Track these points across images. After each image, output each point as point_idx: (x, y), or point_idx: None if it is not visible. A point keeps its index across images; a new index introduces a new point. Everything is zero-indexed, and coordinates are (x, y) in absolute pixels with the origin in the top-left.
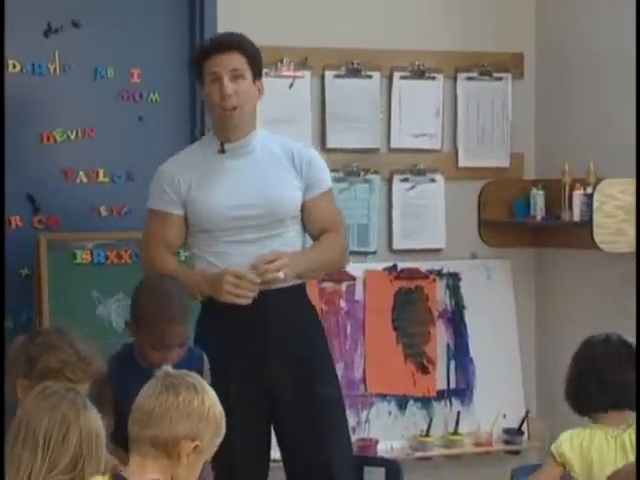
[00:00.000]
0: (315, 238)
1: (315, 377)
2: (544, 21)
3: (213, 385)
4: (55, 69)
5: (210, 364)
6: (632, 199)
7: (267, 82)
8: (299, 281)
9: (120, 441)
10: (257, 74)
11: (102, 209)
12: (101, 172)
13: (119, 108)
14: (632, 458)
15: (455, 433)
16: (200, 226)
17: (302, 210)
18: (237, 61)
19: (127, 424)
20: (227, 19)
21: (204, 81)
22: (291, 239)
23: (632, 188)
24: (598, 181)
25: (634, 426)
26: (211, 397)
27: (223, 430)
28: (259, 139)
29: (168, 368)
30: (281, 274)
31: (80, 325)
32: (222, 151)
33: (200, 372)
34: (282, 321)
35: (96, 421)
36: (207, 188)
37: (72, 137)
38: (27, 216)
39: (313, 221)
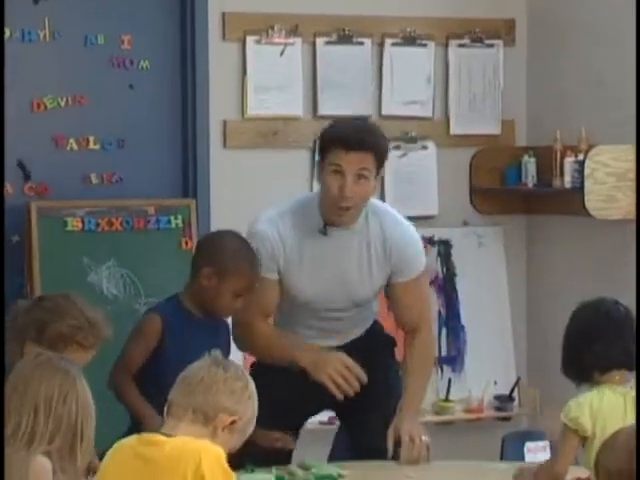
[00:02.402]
0: (404, 326)
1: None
2: None
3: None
4: (45, 36)
5: None
6: (624, 165)
7: (258, 49)
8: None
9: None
10: (380, 167)
11: (93, 176)
12: (92, 139)
13: (110, 75)
14: None
15: (446, 400)
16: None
17: (389, 289)
18: (366, 161)
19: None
20: None
21: (323, 161)
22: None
23: (623, 155)
24: (589, 148)
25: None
26: (253, 386)
27: (254, 421)
28: (362, 227)
29: (218, 353)
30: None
31: (66, 291)
32: (324, 233)
33: (229, 341)
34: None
35: (88, 392)
36: (297, 272)
37: (62, 104)
38: (18, 183)
39: (402, 308)
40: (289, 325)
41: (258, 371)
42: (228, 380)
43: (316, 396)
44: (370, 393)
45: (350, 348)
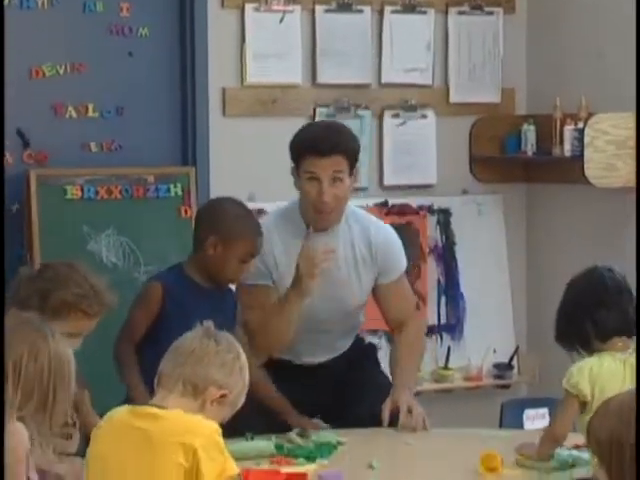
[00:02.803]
0: (390, 323)
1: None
2: None
3: None
4: (43, 3)
5: None
6: (624, 133)
7: (257, 16)
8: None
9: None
10: (353, 166)
11: (92, 145)
12: (90, 107)
13: (108, 42)
14: None
15: (445, 368)
16: None
17: (375, 290)
18: (338, 163)
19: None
20: None
21: (298, 170)
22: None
23: (623, 122)
24: (589, 116)
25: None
26: (244, 357)
27: (245, 393)
28: (344, 230)
29: (210, 323)
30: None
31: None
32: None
33: (234, 311)
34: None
35: (65, 349)
36: (289, 280)
37: (61, 72)
38: (17, 151)
39: (390, 307)
40: None
41: None
42: (219, 353)
43: (308, 402)
44: (360, 392)
45: (336, 362)
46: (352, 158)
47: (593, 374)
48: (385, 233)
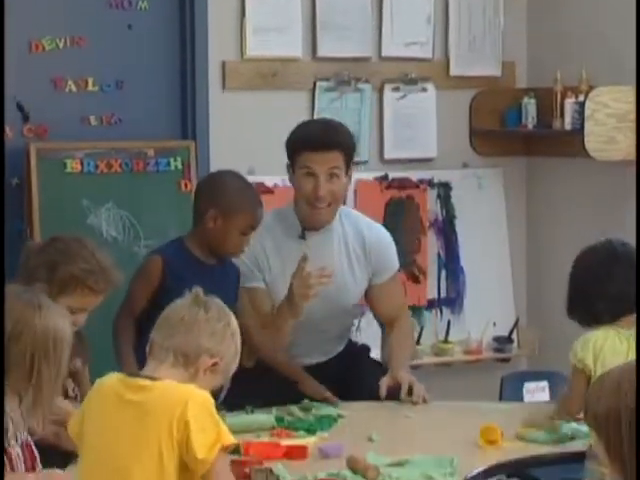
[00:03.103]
0: (382, 319)
1: None
2: None
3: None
4: None
5: None
6: (624, 107)
7: None
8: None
9: None
10: (350, 164)
11: (92, 118)
12: (90, 81)
13: (108, 16)
14: None
15: (445, 341)
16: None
17: (368, 291)
18: (336, 160)
19: None
20: None
21: (294, 166)
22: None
23: (624, 96)
24: (590, 89)
25: None
26: (235, 323)
27: (238, 359)
28: (337, 228)
29: (199, 289)
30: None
31: (75, 234)
32: (303, 237)
33: (236, 287)
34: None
35: (56, 321)
36: (282, 281)
37: (61, 45)
38: (17, 125)
39: (383, 307)
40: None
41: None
42: (209, 321)
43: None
44: (358, 380)
45: (332, 364)
46: (349, 155)
47: (597, 349)
48: (378, 233)
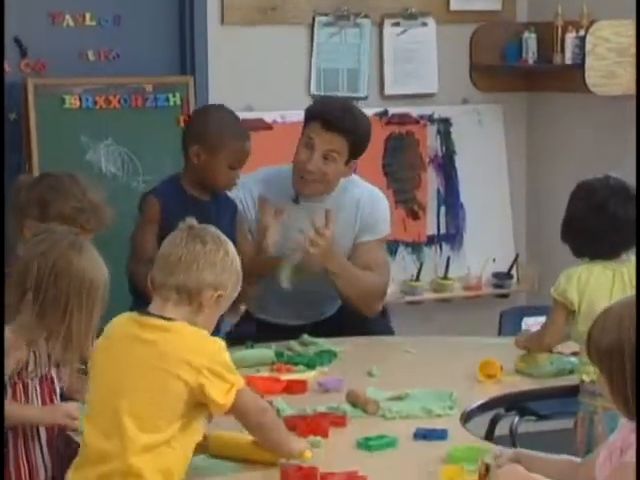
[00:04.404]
0: None
1: None
2: None
3: None
4: None
5: None
6: (625, 41)
7: None
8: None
9: None
10: (354, 157)
11: (90, 53)
12: (88, 15)
13: None
14: (630, 292)
15: (445, 277)
16: None
17: (352, 250)
18: (338, 144)
19: None
20: None
21: (303, 131)
22: None
23: (624, 30)
24: (591, 23)
25: (633, 260)
26: (232, 250)
27: (240, 284)
28: (334, 200)
29: (193, 221)
30: (312, 249)
31: (69, 171)
32: (296, 202)
33: (233, 219)
34: None
35: (93, 268)
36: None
37: None
38: (14, 60)
39: (359, 263)
40: (263, 304)
41: None
42: (208, 254)
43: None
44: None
45: (322, 326)
46: (355, 147)
47: (582, 283)
48: (374, 196)
